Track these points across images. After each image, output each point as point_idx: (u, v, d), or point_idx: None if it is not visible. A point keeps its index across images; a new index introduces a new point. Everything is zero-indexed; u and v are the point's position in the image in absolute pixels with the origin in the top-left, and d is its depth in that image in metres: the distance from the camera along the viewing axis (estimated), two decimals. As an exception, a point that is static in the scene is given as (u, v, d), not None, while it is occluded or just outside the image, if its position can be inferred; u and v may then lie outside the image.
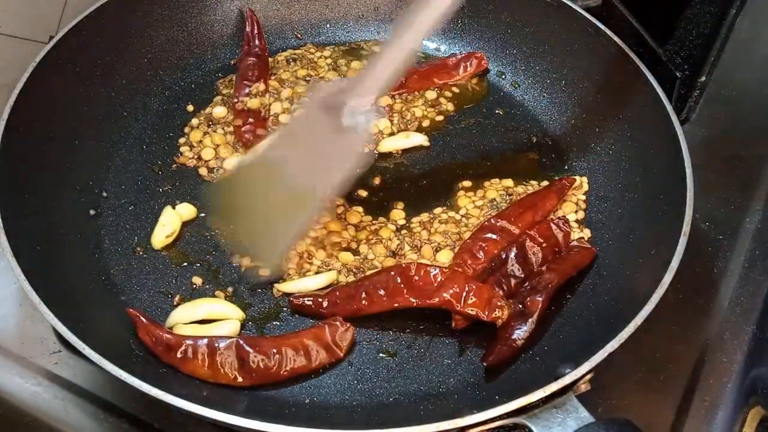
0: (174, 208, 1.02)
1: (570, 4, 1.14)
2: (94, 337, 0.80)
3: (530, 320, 0.90)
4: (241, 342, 0.86)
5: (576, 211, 1.06)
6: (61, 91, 1.04)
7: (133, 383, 0.76)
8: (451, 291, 0.89)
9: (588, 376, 0.78)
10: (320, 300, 0.93)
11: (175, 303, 0.94)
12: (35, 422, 0.89)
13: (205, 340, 0.86)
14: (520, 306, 0.91)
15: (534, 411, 0.76)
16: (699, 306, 1.01)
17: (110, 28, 1.11)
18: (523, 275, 0.95)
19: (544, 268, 0.95)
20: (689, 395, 0.93)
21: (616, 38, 1.09)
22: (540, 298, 0.91)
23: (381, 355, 0.92)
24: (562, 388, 0.76)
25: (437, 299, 0.90)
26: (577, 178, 1.09)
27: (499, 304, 0.89)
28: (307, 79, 1.20)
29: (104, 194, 1.05)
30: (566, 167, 1.11)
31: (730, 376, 0.95)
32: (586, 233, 1.03)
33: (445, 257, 0.98)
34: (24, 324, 0.96)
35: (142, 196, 1.05)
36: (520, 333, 0.89)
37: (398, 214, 1.05)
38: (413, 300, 0.91)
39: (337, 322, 0.90)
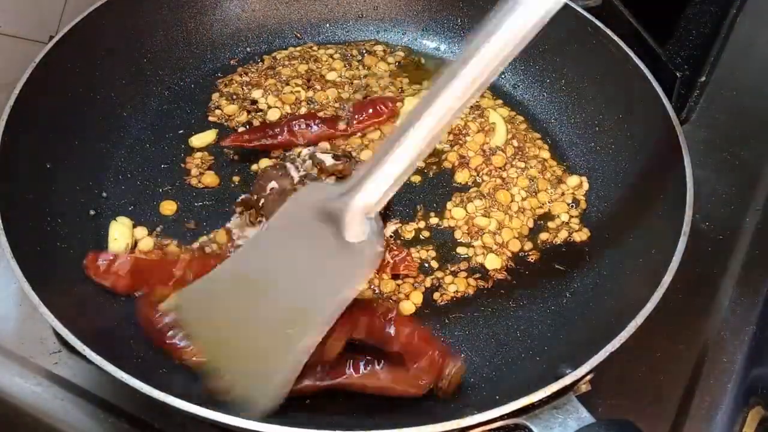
0: (116, 220, 1.01)
1: (570, 4, 1.14)
2: (94, 337, 0.80)
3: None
4: None
5: (569, 210, 1.06)
6: (60, 92, 1.04)
7: (133, 383, 0.76)
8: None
9: (588, 377, 0.78)
10: None
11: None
12: (35, 422, 0.89)
13: None
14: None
15: (534, 411, 0.76)
16: (699, 306, 1.01)
17: (110, 28, 1.11)
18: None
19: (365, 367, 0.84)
20: (689, 395, 0.93)
21: (616, 38, 1.09)
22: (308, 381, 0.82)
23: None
24: (563, 389, 0.76)
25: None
26: (577, 177, 1.09)
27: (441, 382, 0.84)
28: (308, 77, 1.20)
29: (104, 194, 1.05)
30: (564, 168, 1.11)
31: (730, 376, 0.95)
32: (585, 233, 1.04)
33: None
34: (24, 324, 0.96)
35: (142, 196, 1.05)
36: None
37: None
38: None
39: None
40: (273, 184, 0.97)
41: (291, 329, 0.79)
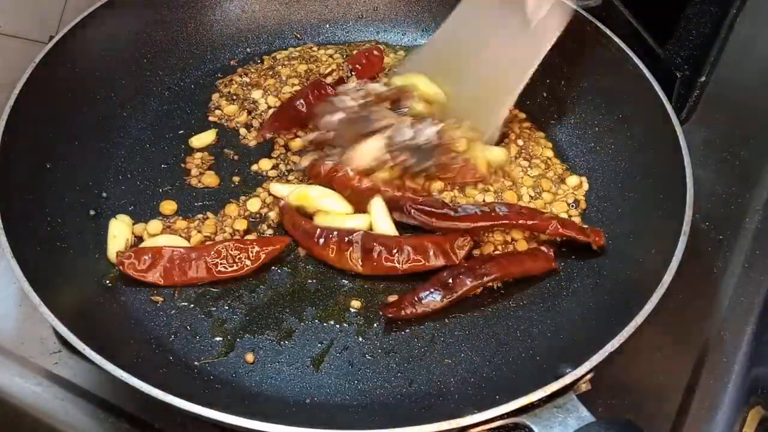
0: (116, 218, 1.01)
1: (570, 4, 1.14)
2: (94, 337, 0.80)
3: (448, 296, 0.93)
4: (369, 235, 0.96)
5: (569, 209, 1.06)
6: (61, 92, 1.04)
7: (133, 383, 0.76)
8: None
9: (588, 376, 0.78)
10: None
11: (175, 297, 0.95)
12: (35, 422, 0.89)
13: (336, 231, 0.96)
14: (450, 281, 0.93)
15: (534, 411, 0.76)
16: (699, 306, 1.01)
17: (110, 28, 1.11)
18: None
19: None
20: (689, 395, 0.93)
21: (616, 38, 1.09)
22: (469, 282, 0.94)
23: (381, 355, 0.92)
24: (563, 388, 0.76)
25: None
26: (577, 177, 1.09)
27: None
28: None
29: (104, 194, 1.05)
30: (566, 167, 1.11)
31: (730, 376, 0.95)
32: (585, 232, 1.04)
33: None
34: (24, 324, 0.96)
35: (142, 196, 1.05)
36: (430, 299, 0.93)
37: None
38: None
39: (459, 235, 0.97)
40: (339, 115, 1.04)
41: (492, 93, 1.02)
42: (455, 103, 1.08)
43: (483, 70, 1.05)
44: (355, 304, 0.96)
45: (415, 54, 1.16)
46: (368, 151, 1.03)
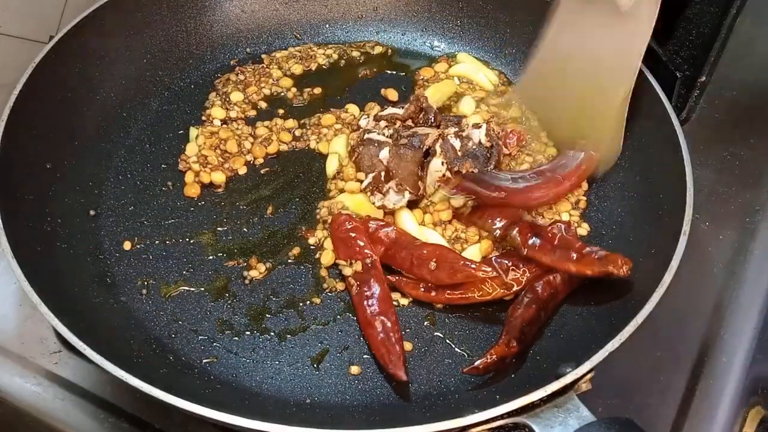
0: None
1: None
2: (94, 337, 0.80)
3: None
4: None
5: (570, 209, 1.06)
6: (61, 92, 1.04)
7: (133, 383, 0.76)
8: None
9: (589, 376, 0.79)
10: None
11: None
12: (35, 422, 0.89)
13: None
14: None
15: (535, 410, 0.76)
16: (699, 306, 1.01)
17: (110, 28, 1.11)
18: None
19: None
20: (689, 395, 0.93)
21: (616, 38, 1.09)
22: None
23: (381, 355, 0.92)
24: (563, 388, 0.77)
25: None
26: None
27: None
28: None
29: (104, 194, 1.05)
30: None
31: (730, 376, 0.95)
32: (585, 228, 1.03)
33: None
34: (24, 324, 0.96)
35: (142, 196, 1.05)
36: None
37: None
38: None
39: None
40: (383, 154, 1.02)
41: (602, 94, 1.01)
42: (561, 120, 1.08)
43: (587, 75, 1.03)
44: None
45: (521, 83, 1.14)
46: (433, 174, 1.01)
